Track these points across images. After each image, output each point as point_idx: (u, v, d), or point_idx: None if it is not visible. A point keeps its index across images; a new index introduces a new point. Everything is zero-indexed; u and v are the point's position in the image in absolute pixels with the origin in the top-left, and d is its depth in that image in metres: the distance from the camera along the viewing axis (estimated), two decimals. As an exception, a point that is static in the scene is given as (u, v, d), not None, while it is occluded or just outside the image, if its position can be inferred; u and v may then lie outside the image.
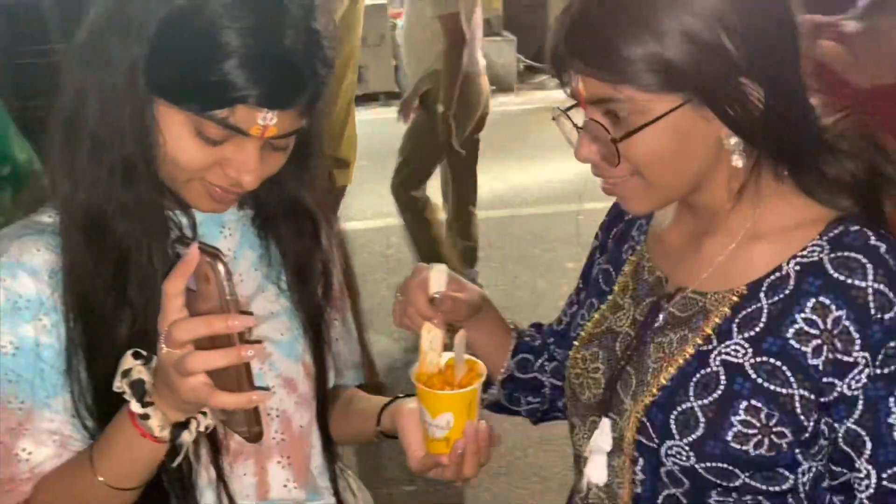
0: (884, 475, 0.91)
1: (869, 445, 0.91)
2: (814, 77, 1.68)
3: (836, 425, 0.92)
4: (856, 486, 0.93)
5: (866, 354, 0.89)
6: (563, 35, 0.93)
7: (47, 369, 0.96)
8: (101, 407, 0.97)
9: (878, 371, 0.89)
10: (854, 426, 0.91)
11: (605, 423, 1.04)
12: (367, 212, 5.49)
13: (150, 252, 0.96)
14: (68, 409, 0.97)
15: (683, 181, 0.96)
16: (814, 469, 0.95)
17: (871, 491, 0.92)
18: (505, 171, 6.37)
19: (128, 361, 0.91)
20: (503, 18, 9.45)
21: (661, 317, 1.03)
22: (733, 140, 0.93)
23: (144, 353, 0.91)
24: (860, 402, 0.90)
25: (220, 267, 0.83)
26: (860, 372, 0.90)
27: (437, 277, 1.08)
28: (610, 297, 1.13)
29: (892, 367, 0.89)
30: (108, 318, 0.96)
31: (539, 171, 6.39)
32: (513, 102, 8.66)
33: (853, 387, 0.90)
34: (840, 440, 0.92)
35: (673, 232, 1.09)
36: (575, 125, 0.97)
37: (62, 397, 0.97)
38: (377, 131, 5.61)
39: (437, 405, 1.01)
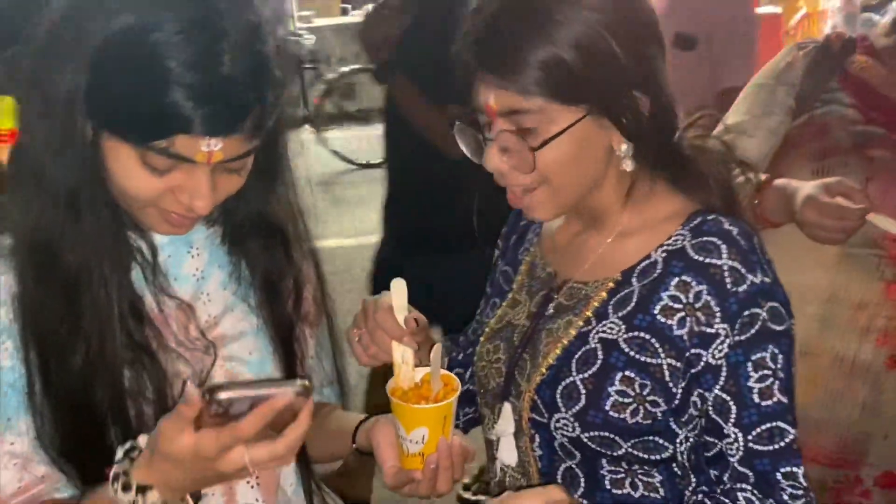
0: (749, 437, 0.99)
1: (734, 409, 0.99)
2: (853, 92, 1.60)
3: (706, 395, 1.00)
4: (727, 451, 1.00)
5: (725, 325, 0.99)
6: (473, 52, 1.00)
7: (9, 392, 0.95)
8: (62, 431, 0.95)
9: (737, 338, 0.99)
10: (720, 392, 0.99)
11: (507, 408, 1.13)
12: (348, 230, 5.47)
13: (105, 280, 0.94)
14: (32, 430, 0.95)
15: (584, 187, 1.05)
16: (690, 439, 1.03)
17: (742, 454, 0.99)
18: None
19: (122, 465, 0.88)
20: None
21: (550, 307, 1.13)
22: (624, 146, 1.03)
23: (133, 451, 0.89)
24: (724, 368, 0.99)
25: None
26: (721, 342, 0.99)
27: (399, 296, 1.08)
28: (510, 295, 1.22)
29: (749, 334, 0.99)
30: (61, 347, 0.94)
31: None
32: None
33: (716, 356, 0.99)
34: (710, 409, 1.00)
35: (561, 232, 1.19)
36: (483, 137, 1.04)
37: (25, 419, 0.95)
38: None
39: (411, 419, 1.02)
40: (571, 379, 1.04)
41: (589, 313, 1.07)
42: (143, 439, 0.91)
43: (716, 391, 0.99)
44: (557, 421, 1.05)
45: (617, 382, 1.02)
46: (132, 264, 0.99)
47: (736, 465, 0.99)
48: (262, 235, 1.08)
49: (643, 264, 1.06)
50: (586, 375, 1.03)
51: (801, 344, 1.08)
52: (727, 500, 0.99)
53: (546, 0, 0.98)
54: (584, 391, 1.03)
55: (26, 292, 0.94)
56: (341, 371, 1.21)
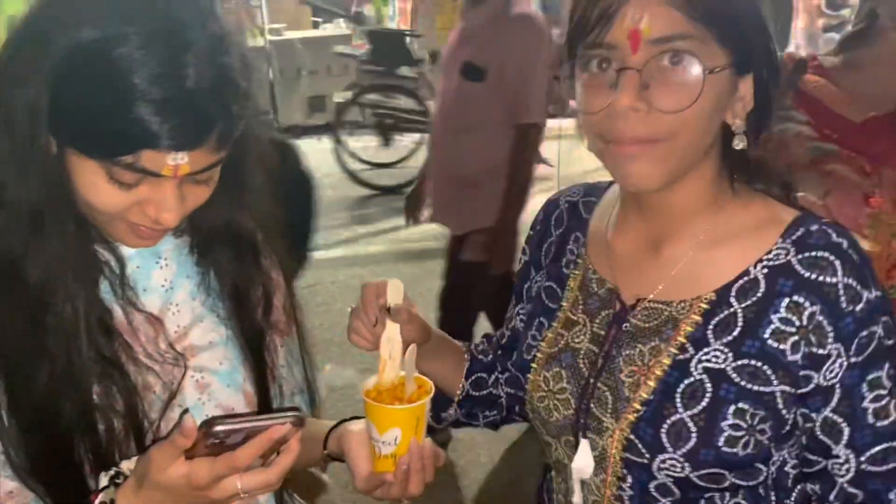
0: (863, 458, 0.94)
1: (847, 431, 0.94)
2: (807, 110, 1.65)
3: (812, 415, 0.94)
4: (835, 471, 0.95)
5: (839, 346, 0.92)
6: None
7: None
8: (29, 448, 0.93)
9: (853, 360, 0.92)
10: (831, 414, 0.94)
11: (585, 445, 1.02)
12: (331, 240, 5.49)
13: (71, 295, 0.92)
14: None
15: (698, 155, 0.95)
16: (782, 458, 0.98)
17: (852, 474, 0.95)
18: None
19: (108, 493, 0.89)
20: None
21: (624, 329, 1.02)
22: (739, 121, 0.94)
23: (119, 477, 0.90)
24: (837, 390, 0.93)
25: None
26: (834, 362, 0.92)
27: (395, 290, 1.09)
28: (560, 314, 1.11)
29: (865, 355, 0.92)
30: (26, 365, 0.92)
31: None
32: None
33: (828, 377, 0.92)
34: (817, 429, 0.95)
35: (621, 241, 1.07)
36: (618, 69, 0.90)
37: None
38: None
39: (385, 420, 1.01)
40: (678, 416, 0.94)
41: (682, 339, 0.97)
42: (127, 465, 0.91)
43: (826, 413, 0.93)
44: (663, 461, 0.95)
45: (730, 416, 0.93)
46: (100, 277, 0.98)
47: (845, 485, 0.95)
48: (231, 245, 1.07)
49: (741, 282, 0.96)
50: (696, 411, 0.94)
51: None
52: None
53: None
54: (694, 429, 0.93)
55: None
56: (311, 380, 1.22)
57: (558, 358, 1.07)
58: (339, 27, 9.40)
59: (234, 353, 1.08)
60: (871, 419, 0.93)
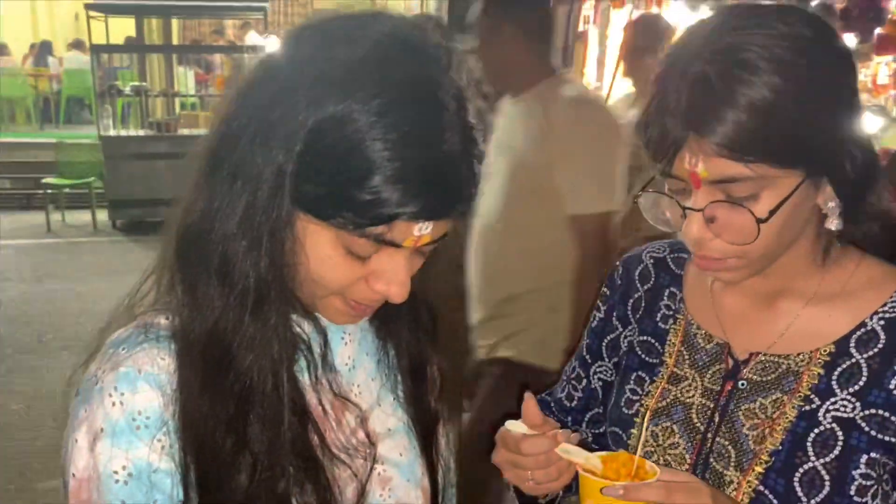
0: None
1: None
2: None
3: None
4: None
5: None
6: (681, 116, 0.89)
7: (161, 499, 0.85)
8: None
9: None
10: None
11: None
12: None
13: (278, 383, 0.85)
14: None
15: (783, 249, 0.97)
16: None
17: None
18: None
19: None
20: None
21: (740, 384, 1.03)
22: (832, 204, 0.95)
23: None
24: None
25: None
26: None
27: (516, 426, 0.98)
28: (663, 370, 1.11)
29: None
30: (226, 464, 0.84)
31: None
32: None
33: None
34: None
35: (730, 296, 1.08)
36: (683, 207, 0.94)
37: None
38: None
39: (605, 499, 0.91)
40: (811, 465, 0.96)
41: (806, 390, 0.99)
42: None
43: None
44: None
45: (862, 465, 0.95)
46: (297, 357, 0.90)
47: None
48: (413, 319, 1.00)
49: (858, 333, 0.99)
50: (828, 460, 0.95)
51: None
52: None
53: (761, 56, 0.88)
54: (827, 478, 0.95)
55: (191, 402, 0.84)
56: (462, 471, 1.13)
57: (668, 413, 1.07)
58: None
59: (413, 442, 1.01)
60: None
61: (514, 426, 0.98)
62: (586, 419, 1.26)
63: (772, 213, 0.90)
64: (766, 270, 1.00)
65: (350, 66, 0.78)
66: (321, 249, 0.83)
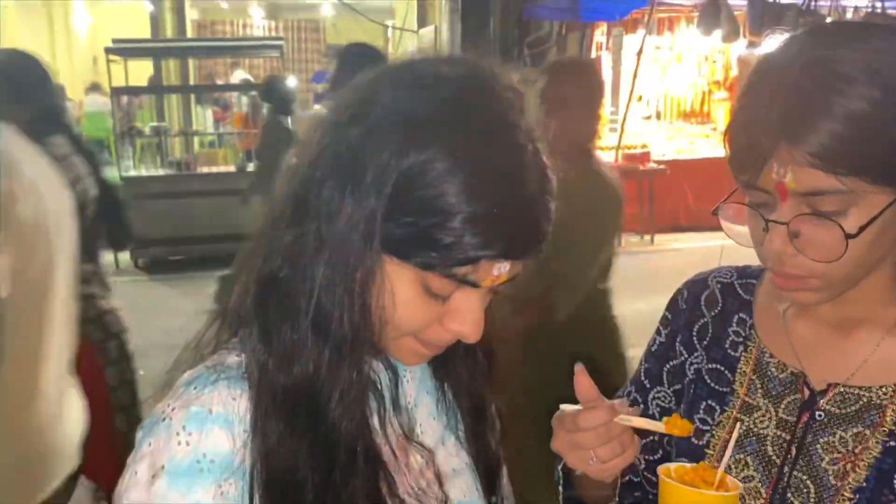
0: None
1: None
2: None
3: None
4: None
5: None
6: (774, 125, 0.86)
7: None
8: None
9: None
10: None
11: None
12: None
13: (357, 431, 0.83)
14: None
15: (863, 273, 0.93)
16: None
17: None
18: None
19: None
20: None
21: (818, 415, 1.00)
22: None
23: None
24: None
25: None
26: None
27: (571, 408, 0.96)
28: (734, 399, 1.07)
29: None
30: None
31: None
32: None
33: None
34: None
35: (804, 324, 1.05)
36: (766, 219, 0.91)
37: None
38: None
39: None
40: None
41: (890, 425, 0.95)
42: None
43: None
44: None
45: None
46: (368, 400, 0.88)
47: None
48: (470, 357, 0.98)
49: None
50: None
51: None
52: None
53: (858, 68, 0.85)
54: None
55: (275, 447, 0.81)
56: None
57: (741, 444, 1.03)
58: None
59: (476, 484, 0.99)
60: None
61: (568, 408, 0.95)
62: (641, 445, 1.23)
63: (861, 229, 0.86)
64: (844, 296, 0.97)
65: (434, 111, 0.80)
66: (403, 291, 0.82)
